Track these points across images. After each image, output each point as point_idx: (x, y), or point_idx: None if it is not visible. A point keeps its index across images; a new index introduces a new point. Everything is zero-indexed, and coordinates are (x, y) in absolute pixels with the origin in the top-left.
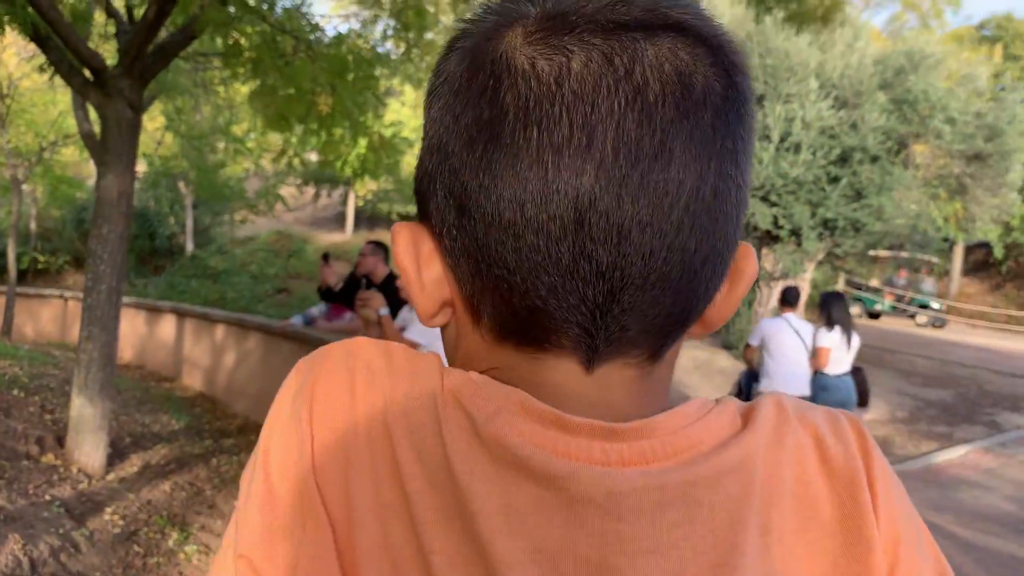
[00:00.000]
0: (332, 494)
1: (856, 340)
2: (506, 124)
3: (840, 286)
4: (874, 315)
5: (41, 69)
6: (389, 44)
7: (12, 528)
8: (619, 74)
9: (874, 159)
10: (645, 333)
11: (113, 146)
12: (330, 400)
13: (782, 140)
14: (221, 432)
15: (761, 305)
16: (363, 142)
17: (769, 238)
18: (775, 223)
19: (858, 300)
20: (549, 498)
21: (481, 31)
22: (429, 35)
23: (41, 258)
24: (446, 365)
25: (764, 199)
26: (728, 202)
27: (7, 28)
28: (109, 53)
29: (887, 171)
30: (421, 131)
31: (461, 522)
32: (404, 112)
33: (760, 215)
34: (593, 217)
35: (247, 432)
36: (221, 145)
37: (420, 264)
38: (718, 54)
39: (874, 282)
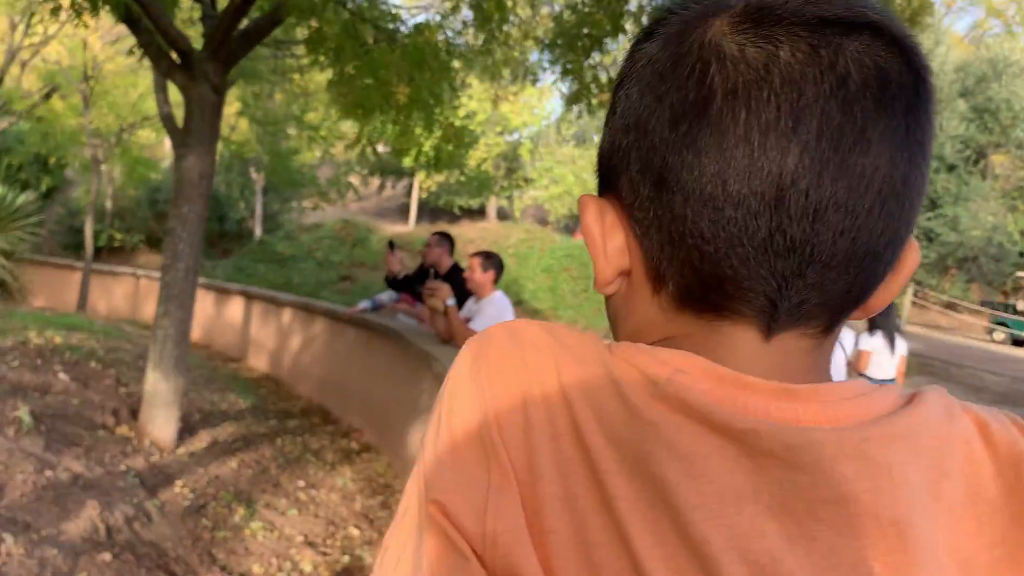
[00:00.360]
0: (514, 450)
1: (902, 346)
2: (714, 104)
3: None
4: (1020, 342)
5: (130, 52)
6: (466, 37)
7: (90, 495)
8: (824, 64)
9: (951, 168)
10: (823, 307)
11: (196, 128)
12: (504, 369)
13: None
14: (285, 413)
15: None
16: (437, 132)
17: None
18: None
19: (1000, 324)
20: (732, 449)
21: (685, 19)
22: (507, 28)
23: (118, 236)
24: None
25: None
26: (914, 191)
27: (100, 9)
28: (193, 38)
29: (964, 181)
30: (496, 123)
31: (643, 469)
32: (472, 105)
33: None
34: (793, 195)
35: (310, 414)
36: (293, 132)
37: (605, 233)
38: (909, 55)
39: (1021, 305)
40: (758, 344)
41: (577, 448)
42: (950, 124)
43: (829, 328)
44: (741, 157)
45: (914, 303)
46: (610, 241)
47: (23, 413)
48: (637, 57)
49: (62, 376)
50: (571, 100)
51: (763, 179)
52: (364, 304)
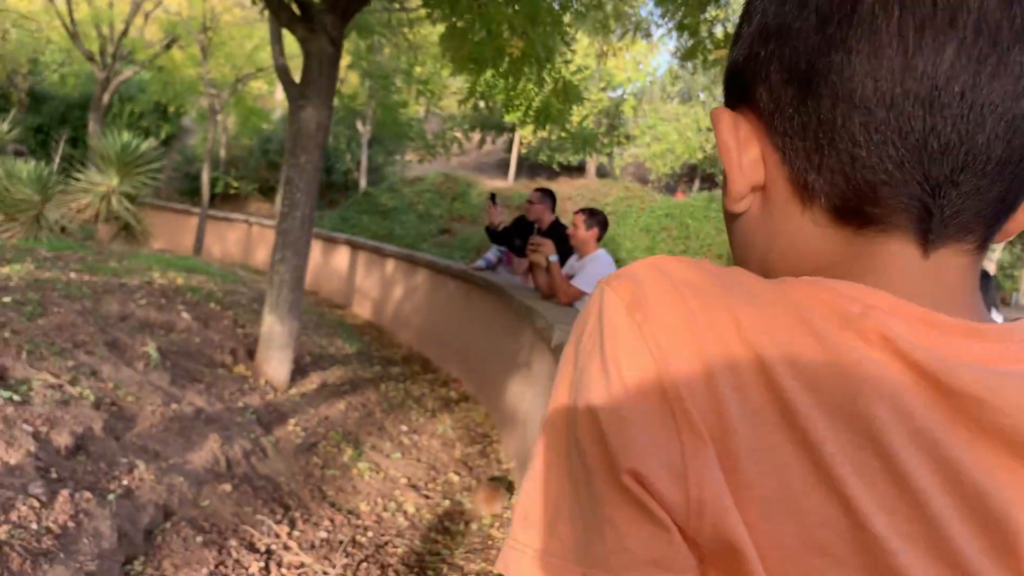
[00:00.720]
0: (700, 406)
1: (998, 319)
2: (864, 4)
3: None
4: None
5: (253, 2)
6: None
7: (212, 429)
8: None
9: None
10: (977, 218)
11: (314, 80)
12: (669, 317)
13: None
14: (388, 360)
15: None
16: (548, 87)
17: None
18: None
19: None
20: (930, 388)
21: None
22: None
23: (234, 183)
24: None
25: None
26: None
27: None
28: None
29: None
30: (600, 79)
31: (848, 410)
32: (576, 60)
33: None
34: (947, 95)
35: (411, 362)
36: (402, 86)
37: (740, 145)
38: None
39: None
40: (917, 261)
41: (768, 395)
42: None
43: (983, 244)
44: (894, 55)
45: None
46: (745, 154)
47: (151, 349)
48: None
49: (185, 315)
50: (686, 56)
51: (917, 78)
52: (479, 263)
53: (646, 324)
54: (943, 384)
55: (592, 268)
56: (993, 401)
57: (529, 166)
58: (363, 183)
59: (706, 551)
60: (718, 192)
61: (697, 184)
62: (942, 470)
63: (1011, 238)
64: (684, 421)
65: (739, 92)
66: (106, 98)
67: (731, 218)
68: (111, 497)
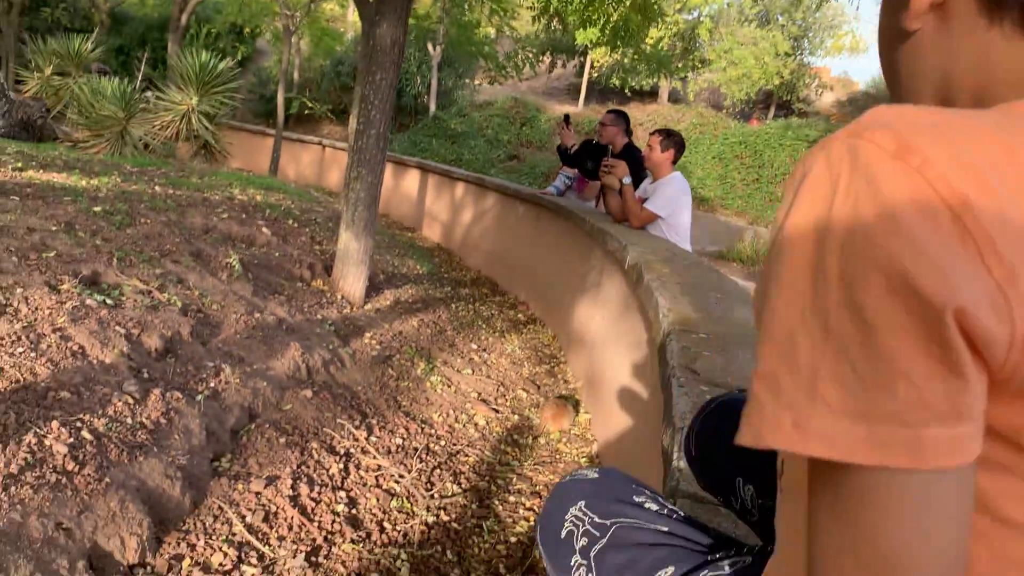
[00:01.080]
0: (1004, 237)
1: None
2: None
3: None
4: None
5: None
6: None
7: (292, 338)
8: None
9: None
10: None
11: None
12: (941, 156)
13: None
14: (457, 282)
15: None
16: (627, 1)
17: None
18: None
19: None
20: None
21: None
22: None
23: (310, 103)
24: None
25: None
26: None
27: None
28: None
29: None
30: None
31: None
32: None
33: None
34: None
35: (479, 285)
36: (475, 4)
37: None
38: None
39: None
40: None
41: None
42: None
43: None
44: None
45: None
46: None
47: (234, 260)
48: None
49: (265, 230)
50: None
51: None
52: (549, 190)
53: (926, 166)
54: None
55: (666, 191)
56: None
57: (600, 91)
58: (433, 107)
59: (1020, 385)
60: (794, 119)
61: (772, 111)
62: None
63: None
64: (992, 256)
65: None
66: (184, 19)
67: (898, 41)
68: (199, 398)
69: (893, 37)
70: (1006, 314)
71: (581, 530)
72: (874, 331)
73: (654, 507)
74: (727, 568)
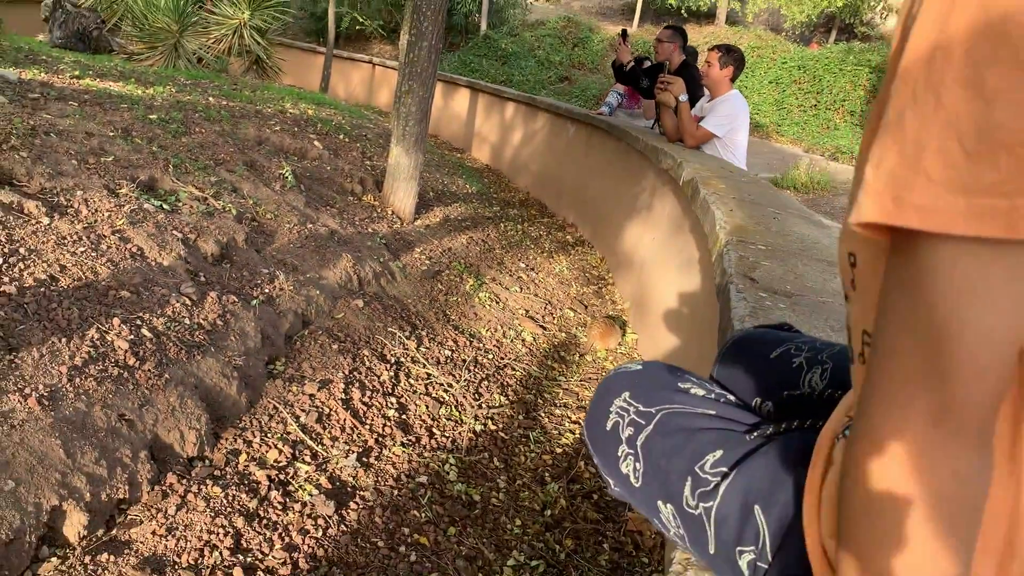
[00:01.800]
0: None
1: None
2: None
3: None
4: None
5: None
6: None
7: (344, 250)
8: None
9: None
10: None
11: None
12: None
13: None
14: (506, 202)
15: None
16: None
17: None
18: None
19: None
20: None
21: None
22: None
23: (361, 18)
24: None
25: None
26: None
27: None
28: None
29: None
30: None
31: None
32: None
33: None
34: None
35: (528, 206)
36: None
37: None
38: None
39: None
40: None
41: None
42: None
43: None
44: None
45: None
46: None
47: (287, 171)
48: None
49: (316, 144)
50: None
51: None
52: (603, 109)
53: None
54: None
55: (724, 110)
56: None
57: (655, 11)
58: (483, 26)
59: None
60: (856, 44)
61: (834, 35)
62: None
63: None
64: None
65: None
66: None
67: None
68: (254, 303)
69: None
70: None
71: (627, 420)
72: (991, 105)
73: (700, 392)
74: (771, 434)
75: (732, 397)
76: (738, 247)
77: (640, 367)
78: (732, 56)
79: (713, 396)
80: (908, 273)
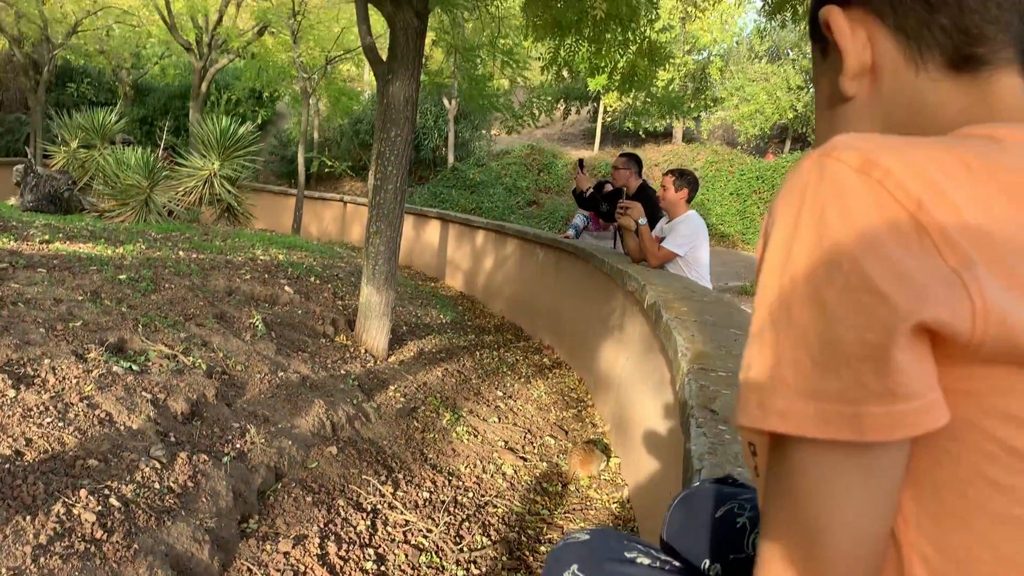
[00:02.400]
0: (959, 230)
1: None
2: None
3: None
4: None
5: None
6: None
7: (316, 395)
8: None
9: None
10: None
11: (401, 54)
12: (900, 168)
13: None
14: (481, 329)
15: None
16: (632, 48)
17: None
18: None
19: None
20: None
21: None
22: None
23: (328, 162)
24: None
25: None
26: None
27: None
28: None
29: None
30: (685, 42)
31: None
32: (662, 21)
33: None
34: None
35: (504, 331)
36: (487, 58)
37: (853, 30)
38: None
39: None
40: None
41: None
42: None
43: None
44: None
45: None
46: (857, 37)
47: (257, 320)
48: None
49: (287, 289)
50: (774, 10)
51: None
52: (569, 231)
53: (886, 177)
54: None
55: (682, 229)
56: None
57: (614, 134)
58: (451, 159)
59: (990, 351)
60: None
61: (788, 144)
62: None
63: None
64: (946, 247)
65: None
66: (204, 87)
67: (837, 105)
68: (226, 459)
69: (832, 102)
70: (964, 296)
71: None
72: (831, 323)
73: (646, 561)
74: None
75: (678, 563)
76: (699, 375)
77: (588, 537)
78: (685, 179)
79: (658, 565)
80: (782, 470)
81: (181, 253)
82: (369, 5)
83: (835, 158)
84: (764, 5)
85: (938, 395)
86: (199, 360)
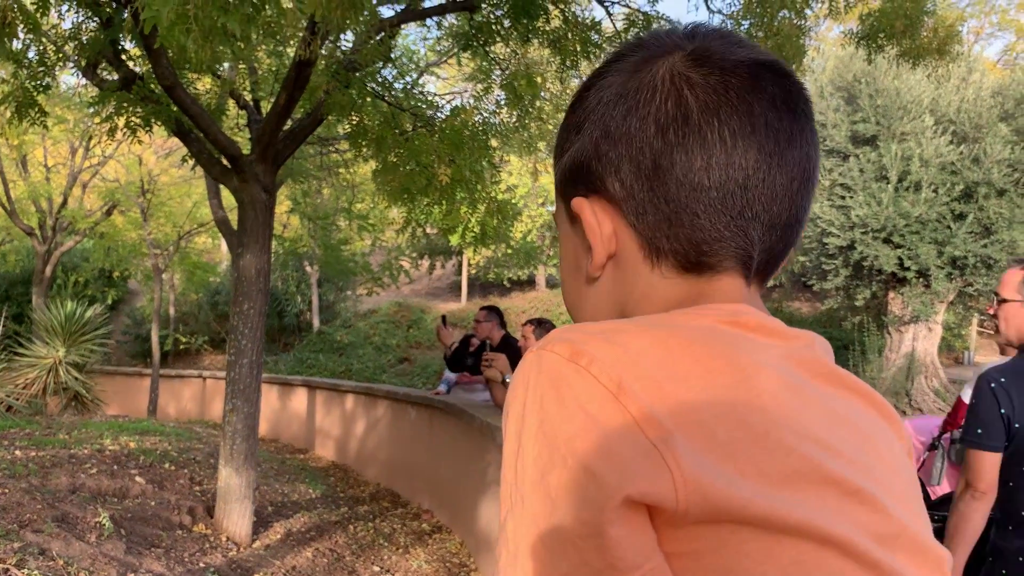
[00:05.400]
0: (659, 409)
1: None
2: (693, 117)
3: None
4: None
5: (183, 161)
6: (501, 116)
7: None
8: (763, 88)
9: (1001, 193)
10: (771, 261)
11: (250, 228)
12: (606, 354)
13: (900, 180)
14: (355, 499)
15: (892, 351)
16: (482, 208)
17: (895, 280)
18: (900, 265)
19: None
20: (780, 344)
21: (641, 58)
22: (539, 103)
23: (182, 339)
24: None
25: (887, 241)
26: (816, 176)
27: (154, 125)
28: (241, 143)
29: (1016, 204)
30: (538, 195)
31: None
32: (512, 179)
33: (884, 257)
34: (755, 180)
35: (380, 498)
36: (344, 223)
37: (600, 224)
38: (799, 82)
39: None
40: (744, 290)
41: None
42: (994, 149)
43: (767, 280)
44: (719, 154)
45: (980, 333)
46: (603, 230)
47: (104, 519)
48: (603, 88)
49: (138, 480)
50: None
51: (736, 169)
52: (441, 387)
53: (592, 364)
54: (786, 339)
55: None
56: (808, 359)
57: (481, 285)
58: (316, 322)
59: (698, 514)
60: None
61: None
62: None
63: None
64: (645, 421)
65: (589, 183)
66: (48, 270)
67: (586, 285)
68: None
69: (580, 282)
70: (664, 467)
71: None
72: (555, 505)
73: None
74: None
75: None
76: None
77: None
78: (544, 328)
79: None
80: None
81: (18, 452)
82: None
83: (549, 351)
84: None
85: (658, 561)
86: (35, 572)
